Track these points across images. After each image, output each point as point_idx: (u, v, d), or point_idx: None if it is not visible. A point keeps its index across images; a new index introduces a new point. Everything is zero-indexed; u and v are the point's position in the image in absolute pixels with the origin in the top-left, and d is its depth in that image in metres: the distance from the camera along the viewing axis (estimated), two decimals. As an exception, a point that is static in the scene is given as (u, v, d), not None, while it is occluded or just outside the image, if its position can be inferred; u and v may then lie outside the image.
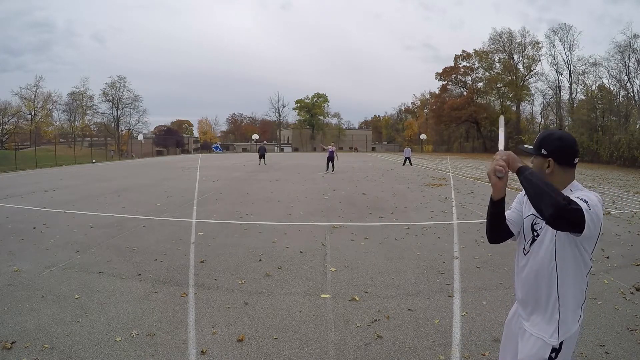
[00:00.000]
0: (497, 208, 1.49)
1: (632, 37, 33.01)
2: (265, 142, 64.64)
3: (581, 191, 1.39)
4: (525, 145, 1.59)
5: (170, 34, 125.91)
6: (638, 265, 4.58)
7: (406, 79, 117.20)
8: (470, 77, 53.33)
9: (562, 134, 1.49)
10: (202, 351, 2.69)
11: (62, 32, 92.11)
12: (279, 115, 68.87)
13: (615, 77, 35.30)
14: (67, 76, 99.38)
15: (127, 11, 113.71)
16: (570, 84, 42.35)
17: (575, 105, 40.16)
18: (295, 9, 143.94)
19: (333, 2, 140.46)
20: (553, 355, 1.40)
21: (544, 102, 47.08)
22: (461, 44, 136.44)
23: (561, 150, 1.45)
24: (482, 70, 51.48)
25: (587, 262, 1.39)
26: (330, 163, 17.92)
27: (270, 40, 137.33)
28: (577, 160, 1.46)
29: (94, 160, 31.17)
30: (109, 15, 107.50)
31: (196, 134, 76.04)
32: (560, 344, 1.39)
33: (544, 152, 1.47)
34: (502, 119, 1.65)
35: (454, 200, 9.65)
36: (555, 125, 44.87)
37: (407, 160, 24.12)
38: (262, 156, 24.10)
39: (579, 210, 1.19)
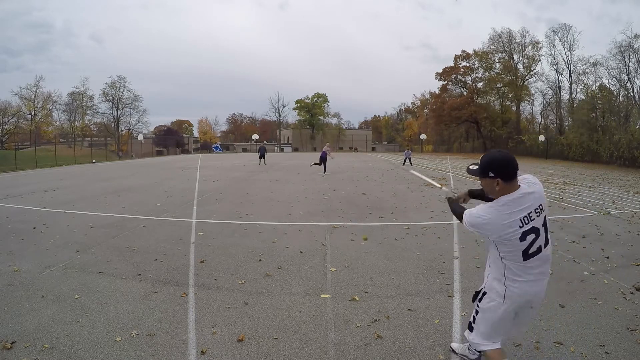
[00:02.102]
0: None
1: (632, 37, 33.02)
2: (265, 142, 64.73)
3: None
4: (472, 168, 2.05)
5: (170, 34, 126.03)
6: (638, 265, 4.58)
7: (406, 79, 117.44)
8: (470, 77, 53.37)
9: (504, 157, 1.92)
10: (202, 351, 2.69)
11: (60, 33, 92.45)
12: (279, 115, 68.93)
13: (616, 77, 35.33)
14: (66, 76, 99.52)
15: (125, 11, 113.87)
16: (570, 84, 42.39)
17: (575, 105, 40.17)
18: (294, 9, 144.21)
19: (331, 2, 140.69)
20: (480, 296, 2.18)
21: (544, 102, 47.14)
22: (460, 44, 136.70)
23: (505, 170, 1.89)
24: (482, 70, 51.52)
25: (501, 254, 2.02)
26: (323, 164, 17.61)
27: (270, 40, 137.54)
28: (517, 172, 1.93)
29: (94, 160, 31.18)
30: (107, 16, 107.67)
31: (196, 134, 76.09)
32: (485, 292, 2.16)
33: (491, 174, 1.91)
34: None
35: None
36: (555, 125, 44.91)
37: (407, 160, 24.20)
38: (262, 156, 24.12)
39: (463, 216, 2.08)
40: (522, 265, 1.97)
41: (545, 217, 1.98)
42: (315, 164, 17.77)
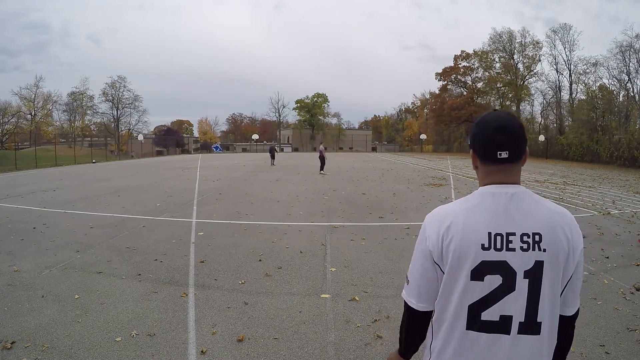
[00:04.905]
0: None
1: (633, 37, 33.01)
2: (265, 142, 64.81)
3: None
4: None
5: (169, 34, 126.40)
6: (638, 265, 4.58)
7: (405, 79, 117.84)
8: (470, 77, 53.40)
9: (488, 115, 1.05)
10: (202, 351, 2.69)
11: (58, 33, 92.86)
12: (279, 115, 68.86)
13: (616, 77, 35.34)
14: (64, 76, 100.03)
15: (122, 12, 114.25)
16: (571, 84, 42.36)
17: (575, 105, 40.18)
18: (294, 10, 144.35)
19: (330, 2, 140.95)
20: None
21: (544, 102, 47.09)
22: (458, 44, 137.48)
23: (478, 135, 1.03)
24: (482, 70, 51.54)
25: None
26: (322, 164, 17.55)
27: (270, 40, 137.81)
28: (502, 154, 0.99)
29: (94, 160, 31.17)
30: (104, 16, 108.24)
31: (196, 134, 76.06)
32: None
33: (469, 141, 1.09)
34: None
35: (454, 200, 9.63)
36: (555, 125, 44.88)
37: None
38: (272, 157, 24.27)
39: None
40: (457, 339, 1.00)
41: (546, 274, 0.96)
42: (322, 168, 17.61)
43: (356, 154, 47.91)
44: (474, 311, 0.98)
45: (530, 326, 0.96)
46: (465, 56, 52.78)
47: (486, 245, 0.96)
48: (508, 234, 0.96)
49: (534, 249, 0.96)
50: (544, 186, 13.04)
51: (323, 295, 3.68)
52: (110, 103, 53.33)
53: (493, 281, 0.96)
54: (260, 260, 4.72)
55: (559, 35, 42.65)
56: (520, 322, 0.96)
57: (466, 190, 11.53)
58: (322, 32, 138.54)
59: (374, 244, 5.46)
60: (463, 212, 1.01)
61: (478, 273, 0.97)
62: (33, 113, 49.01)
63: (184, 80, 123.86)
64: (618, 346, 2.75)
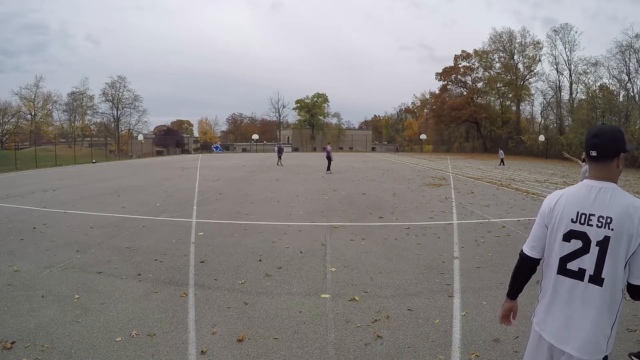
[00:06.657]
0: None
1: (633, 37, 33.03)
2: (265, 142, 64.80)
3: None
4: None
5: (168, 34, 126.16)
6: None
7: (405, 79, 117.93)
8: (470, 77, 53.41)
9: (595, 127, 1.56)
10: (202, 351, 2.69)
11: (56, 34, 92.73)
12: (279, 115, 69.00)
13: (616, 77, 35.37)
14: (63, 77, 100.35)
15: (120, 12, 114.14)
16: (571, 84, 42.42)
17: (575, 105, 40.22)
18: (293, 9, 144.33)
19: (329, 2, 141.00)
20: None
21: (544, 102, 47.13)
22: (456, 44, 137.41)
23: (586, 139, 1.53)
24: (482, 70, 51.55)
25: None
26: (328, 163, 17.85)
27: (270, 40, 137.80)
28: (592, 152, 1.47)
29: (94, 160, 31.17)
30: (102, 17, 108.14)
31: (196, 134, 76.18)
32: None
33: None
34: None
35: (454, 200, 9.65)
36: (555, 125, 44.88)
37: (502, 161, 25.25)
38: (280, 156, 24.12)
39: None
40: (553, 279, 1.52)
41: (611, 246, 1.40)
42: (328, 167, 17.87)
43: (356, 154, 47.89)
44: (563, 262, 1.49)
45: (596, 279, 1.42)
46: (465, 56, 52.82)
47: (574, 220, 1.47)
48: (590, 215, 1.44)
49: (604, 227, 1.41)
50: (543, 186, 13.03)
51: (323, 295, 3.68)
52: (110, 103, 53.39)
53: (576, 244, 1.46)
54: (260, 260, 4.72)
55: (560, 35, 42.76)
56: (590, 275, 1.43)
57: (466, 190, 11.53)
58: (321, 32, 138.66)
59: (374, 244, 5.46)
60: (566, 195, 1.52)
61: (567, 237, 1.48)
62: (33, 113, 49.02)
63: (184, 80, 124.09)
64: (618, 346, 2.74)
